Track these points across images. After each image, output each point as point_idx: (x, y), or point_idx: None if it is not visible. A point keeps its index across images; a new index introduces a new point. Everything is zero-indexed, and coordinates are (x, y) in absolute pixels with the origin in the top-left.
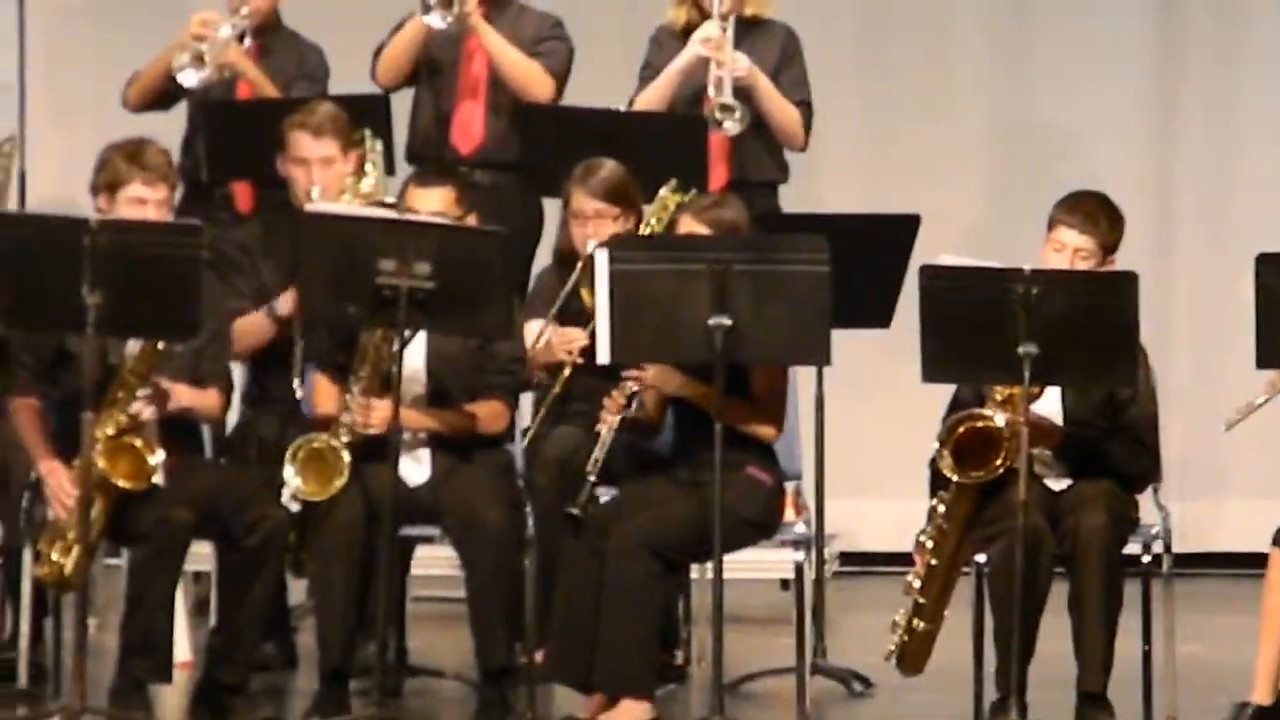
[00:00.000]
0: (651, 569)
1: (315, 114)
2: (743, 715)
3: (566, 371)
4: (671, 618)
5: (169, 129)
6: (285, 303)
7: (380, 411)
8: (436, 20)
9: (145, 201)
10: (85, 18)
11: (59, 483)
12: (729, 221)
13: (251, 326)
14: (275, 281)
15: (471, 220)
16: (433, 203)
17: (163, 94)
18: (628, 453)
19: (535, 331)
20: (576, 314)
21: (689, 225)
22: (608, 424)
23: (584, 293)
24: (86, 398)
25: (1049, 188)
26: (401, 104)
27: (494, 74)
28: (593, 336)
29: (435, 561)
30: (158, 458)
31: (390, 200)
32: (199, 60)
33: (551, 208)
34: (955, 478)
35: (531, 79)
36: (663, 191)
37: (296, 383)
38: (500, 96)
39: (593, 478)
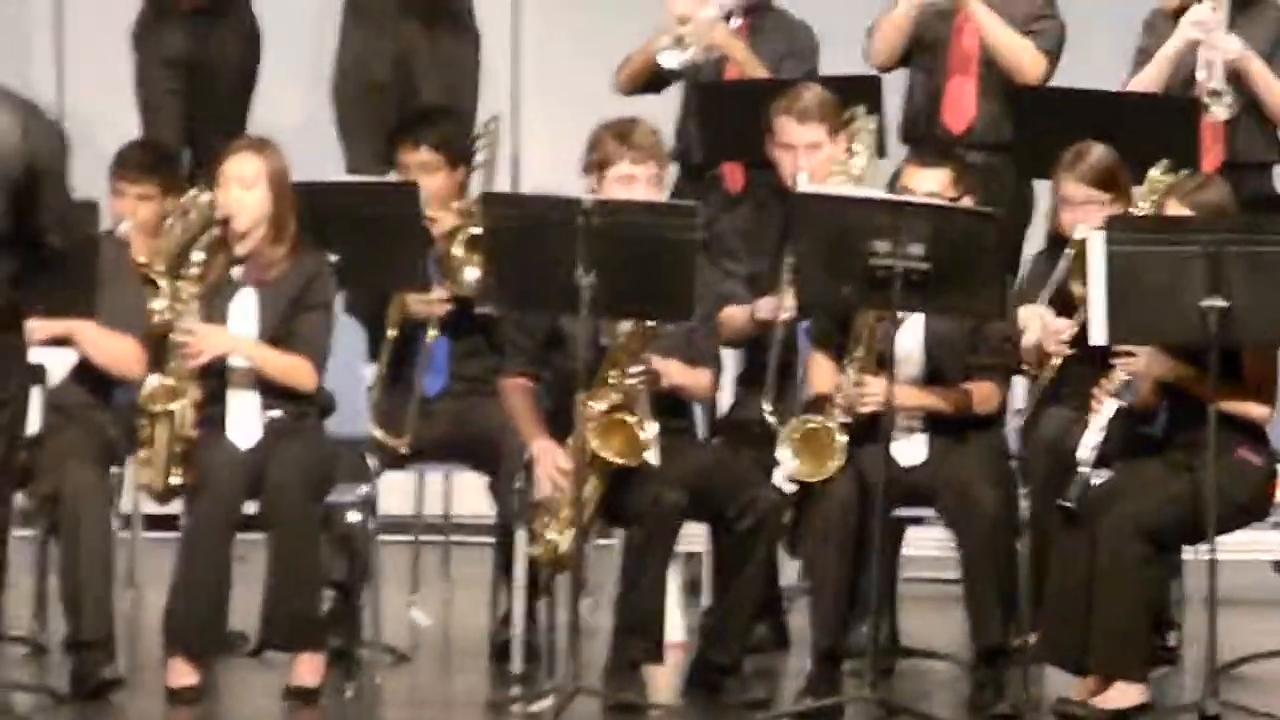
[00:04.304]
0: (1143, 552)
1: (801, 99)
2: (1237, 699)
3: (1057, 360)
4: (1164, 601)
5: (661, 111)
6: (766, 307)
7: (875, 389)
8: None
9: (634, 179)
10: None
11: (552, 463)
12: (1213, 204)
13: (736, 321)
14: (765, 263)
15: (967, 202)
16: (930, 183)
17: (652, 78)
18: (1120, 436)
19: (1028, 318)
20: (1068, 298)
21: (1174, 208)
22: (1099, 412)
23: (1075, 277)
24: (579, 378)
25: None
26: (894, 85)
27: (985, 51)
28: (1083, 324)
29: (927, 542)
30: (651, 431)
31: (878, 183)
32: (680, 42)
33: (1043, 189)
34: None
35: (1023, 58)
36: (1153, 173)
37: (772, 363)
38: (992, 75)
39: (1087, 469)
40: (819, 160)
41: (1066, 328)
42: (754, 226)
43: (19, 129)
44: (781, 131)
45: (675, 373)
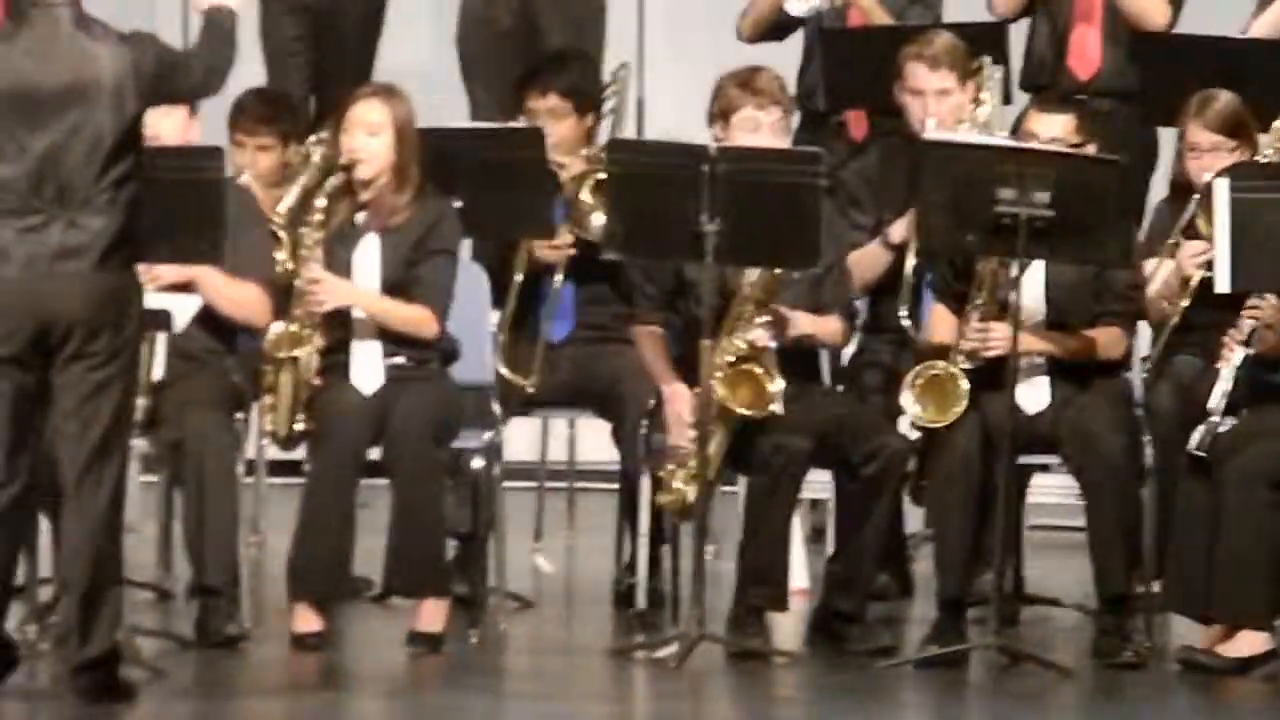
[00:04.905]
0: (1269, 499)
1: (932, 45)
2: None
3: (1185, 302)
4: None
5: (785, 59)
6: (898, 230)
7: (999, 334)
8: None
9: (759, 125)
10: None
11: (681, 409)
12: None
13: (867, 258)
14: (892, 211)
15: (1090, 149)
16: (1054, 129)
17: (775, 25)
18: (1247, 383)
19: (1152, 270)
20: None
21: None
22: (1229, 361)
23: (1201, 224)
24: (705, 325)
25: None
26: (1018, 32)
27: None
28: (1210, 265)
29: (1052, 489)
30: (777, 385)
31: (1003, 131)
32: None
33: (1167, 136)
34: None
35: (1147, 4)
36: (1278, 122)
37: (903, 310)
38: (1116, 22)
39: (1216, 417)
40: (947, 107)
41: (1204, 249)
42: (880, 175)
43: (113, 54)
44: (911, 77)
45: (804, 322)
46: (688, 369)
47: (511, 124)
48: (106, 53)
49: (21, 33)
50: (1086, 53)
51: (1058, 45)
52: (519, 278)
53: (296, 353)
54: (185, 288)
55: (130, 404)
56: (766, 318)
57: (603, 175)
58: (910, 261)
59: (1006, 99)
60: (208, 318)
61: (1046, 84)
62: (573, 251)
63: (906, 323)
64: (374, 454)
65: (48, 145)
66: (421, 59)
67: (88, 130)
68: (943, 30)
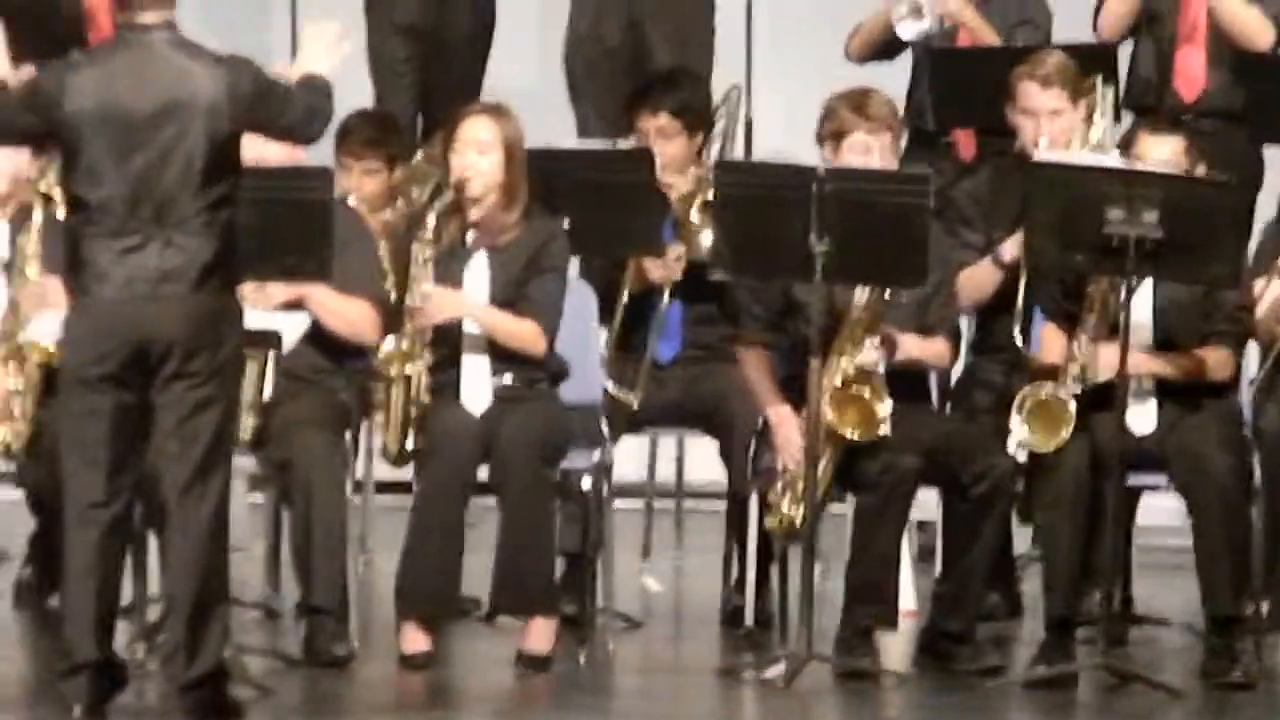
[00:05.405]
0: None
1: (1044, 64)
2: None
3: None
4: None
5: (893, 79)
6: (1010, 248)
7: (1108, 357)
8: None
9: (869, 149)
10: None
11: (789, 433)
12: None
13: (978, 276)
14: (1002, 231)
15: (1200, 171)
16: (1163, 152)
17: (885, 45)
18: None
19: (1261, 290)
20: None
21: None
22: None
23: None
24: (814, 346)
25: None
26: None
27: (1213, 19)
28: None
29: (1160, 510)
30: (886, 407)
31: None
32: (917, 12)
33: (1273, 156)
34: None
35: (1250, 26)
36: None
37: (1017, 329)
38: (1220, 43)
39: None
40: (1060, 127)
41: None
42: (991, 194)
43: (210, 75)
44: (1024, 96)
45: (912, 345)
46: (796, 390)
47: (621, 145)
48: (203, 74)
49: (118, 55)
50: (1191, 73)
51: (1162, 66)
52: (627, 297)
53: (408, 370)
54: (296, 306)
55: (231, 422)
56: (876, 340)
57: (711, 195)
58: (1024, 281)
59: (1116, 118)
60: (316, 337)
61: (1151, 104)
62: (683, 265)
63: (1020, 342)
64: (482, 473)
65: (143, 165)
66: (529, 78)
67: (181, 150)
68: (1055, 50)
